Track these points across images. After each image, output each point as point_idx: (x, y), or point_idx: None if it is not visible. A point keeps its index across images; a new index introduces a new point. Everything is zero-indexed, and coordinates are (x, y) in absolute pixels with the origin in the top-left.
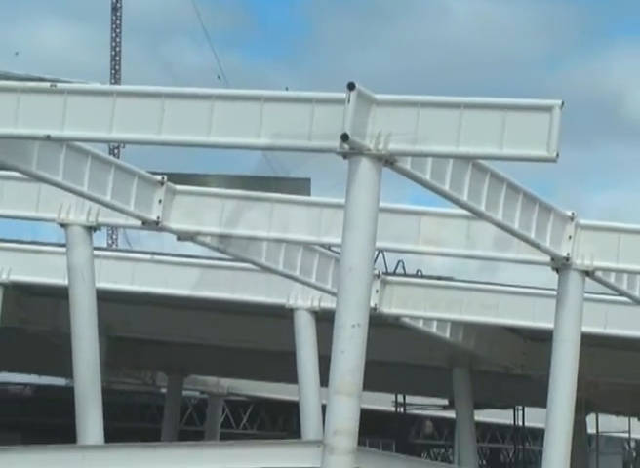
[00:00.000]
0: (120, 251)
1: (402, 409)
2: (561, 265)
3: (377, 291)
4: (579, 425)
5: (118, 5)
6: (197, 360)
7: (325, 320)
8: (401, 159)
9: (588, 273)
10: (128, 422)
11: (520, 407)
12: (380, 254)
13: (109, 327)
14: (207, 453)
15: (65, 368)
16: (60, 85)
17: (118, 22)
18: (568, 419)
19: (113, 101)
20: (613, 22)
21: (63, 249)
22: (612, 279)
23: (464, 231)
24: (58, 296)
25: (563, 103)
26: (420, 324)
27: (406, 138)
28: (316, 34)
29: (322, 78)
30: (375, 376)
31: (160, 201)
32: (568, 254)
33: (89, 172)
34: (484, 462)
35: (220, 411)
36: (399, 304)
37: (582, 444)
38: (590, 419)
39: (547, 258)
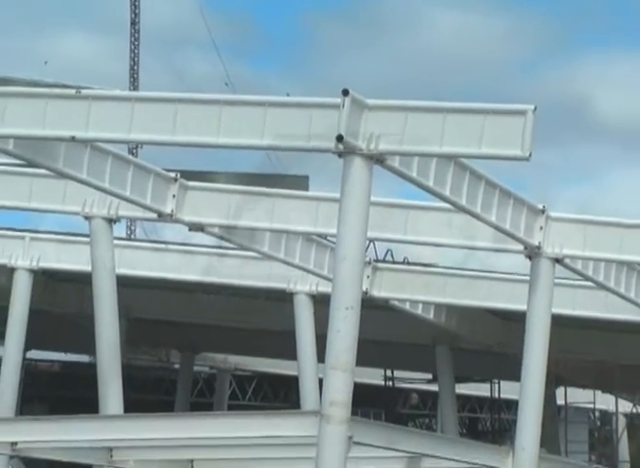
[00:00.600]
0: (138, 240)
1: (391, 383)
2: (533, 253)
3: (368, 276)
4: (549, 397)
5: (136, 20)
6: (207, 339)
7: (322, 303)
8: (390, 158)
9: (558, 260)
10: (145, 395)
11: (496, 380)
12: (371, 244)
13: (128, 309)
14: (216, 422)
15: (89, 346)
16: (84, 91)
17: (136, 35)
18: (539, 392)
19: (132, 106)
20: (579, 33)
21: (87, 239)
22: (579, 265)
23: (447, 222)
24: (82, 282)
25: (536, 108)
26: (407, 306)
27: (395, 139)
28: (314, 44)
29: (319, 84)
30: (366, 353)
31: (174, 196)
32: (539, 244)
33: (110, 169)
34: (464, 430)
35: (228, 385)
36: (388, 289)
37: (552, 413)
38: (559, 392)
39: (521, 247)
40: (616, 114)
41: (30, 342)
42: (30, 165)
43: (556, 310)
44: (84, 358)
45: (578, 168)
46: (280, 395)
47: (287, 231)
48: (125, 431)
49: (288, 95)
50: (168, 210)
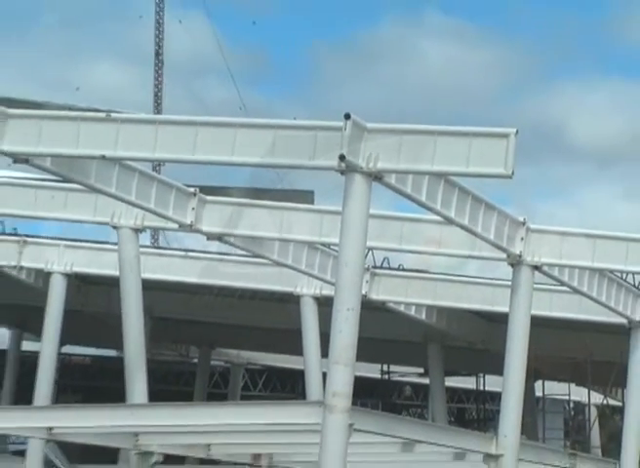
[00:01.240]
0: (160, 248)
1: (387, 377)
2: (515, 261)
3: (367, 281)
4: (528, 389)
5: (160, 51)
6: (222, 336)
7: (325, 305)
8: (387, 175)
9: (537, 268)
10: (166, 386)
11: (481, 374)
12: (370, 252)
13: (152, 309)
14: (230, 411)
15: (117, 342)
16: (113, 115)
17: (160, 65)
18: (520, 385)
19: (156, 128)
20: (556, 63)
21: (115, 246)
22: (556, 272)
23: (438, 233)
24: (110, 284)
25: (517, 131)
26: (402, 308)
27: (391, 158)
28: (319, 73)
29: (323, 109)
30: (365, 350)
31: (193, 208)
32: (520, 253)
33: (136, 184)
34: (452, 419)
35: (241, 378)
36: (385, 292)
37: (531, 404)
38: (538, 385)
39: (504, 255)
40: (588, 136)
41: (65, 338)
42: (65, 180)
43: (535, 312)
44: (112, 352)
45: (553, 184)
46: (288, 387)
47: (294, 240)
48: (149, 418)
49: (295, 118)
50: (188, 221)
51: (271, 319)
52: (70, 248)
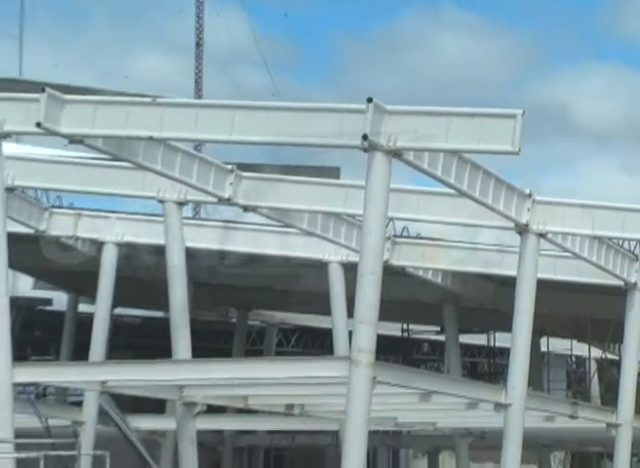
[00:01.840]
0: (201, 219)
1: (406, 334)
2: (522, 230)
3: (388, 248)
4: (534, 345)
5: (200, 42)
6: (258, 299)
7: (351, 270)
8: (406, 153)
9: (542, 235)
10: (208, 344)
11: (492, 331)
12: (391, 222)
13: (195, 275)
14: (266, 366)
15: (164, 304)
16: (159, 100)
17: (200, 54)
18: (527, 341)
19: (197, 112)
20: (557, 53)
21: (161, 218)
22: (559, 239)
23: (452, 204)
24: (157, 253)
25: (524, 112)
26: (420, 272)
27: (410, 138)
28: (344, 61)
29: (348, 93)
30: (387, 310)
31: (231, 183)
32: (527, 222)
33: (179, 162)
34: (465, 372)
35: (275, 336)
36: (404, 258)
37: (537, 359)
38: (543, 341)
39: (512, 224)
40: (588, 117)
41: (117, 301)
42: (116, 159)
43: (540, 275)
44: (160, 314)
45: (557, 160)
46: (317, 344)
47: (322, 212)
48: (193, 372)
49: (323, 102)
50: (226, 195)
51: (303, 283)
52: (121, 220)
